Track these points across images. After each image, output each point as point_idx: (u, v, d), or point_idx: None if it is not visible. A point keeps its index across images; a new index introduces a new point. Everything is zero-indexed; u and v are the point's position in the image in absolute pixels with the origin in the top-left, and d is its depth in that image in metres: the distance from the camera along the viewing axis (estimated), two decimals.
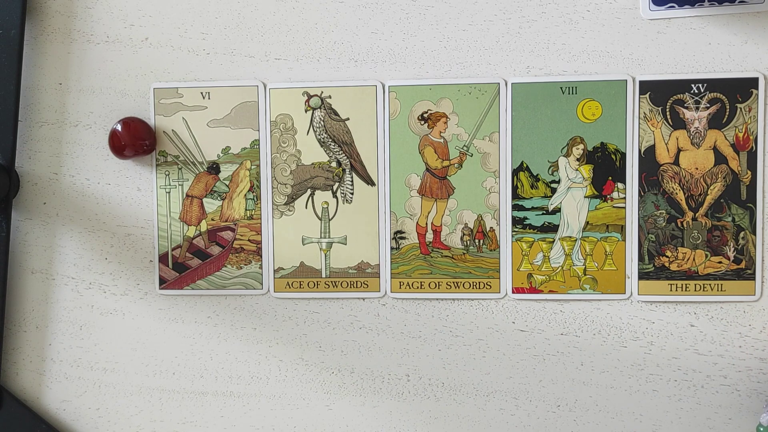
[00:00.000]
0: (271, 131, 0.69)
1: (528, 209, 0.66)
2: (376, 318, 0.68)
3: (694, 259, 0.65)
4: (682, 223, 0.65)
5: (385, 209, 0.68)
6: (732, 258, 0.65)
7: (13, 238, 0.71)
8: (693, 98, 0.65)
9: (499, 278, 0.67)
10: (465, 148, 0.67)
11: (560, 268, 0.66)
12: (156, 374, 0.71)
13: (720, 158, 0.65)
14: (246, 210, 0.69)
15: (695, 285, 0.65)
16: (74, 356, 0.71)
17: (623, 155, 0.66)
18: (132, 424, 0.71)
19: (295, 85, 0.68)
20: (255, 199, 0.69)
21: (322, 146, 0.68)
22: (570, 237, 0.66)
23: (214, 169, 0.69)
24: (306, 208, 0.69)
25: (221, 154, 0.69)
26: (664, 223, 0.66)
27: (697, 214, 0.65)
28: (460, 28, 0.66)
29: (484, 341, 0.67)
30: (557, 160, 0.66)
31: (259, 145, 0.69)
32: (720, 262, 0.65)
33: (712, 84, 0.64)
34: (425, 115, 0.67)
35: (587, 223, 0.66)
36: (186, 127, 0.69)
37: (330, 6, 0.67)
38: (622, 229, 0.66)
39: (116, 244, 0.70)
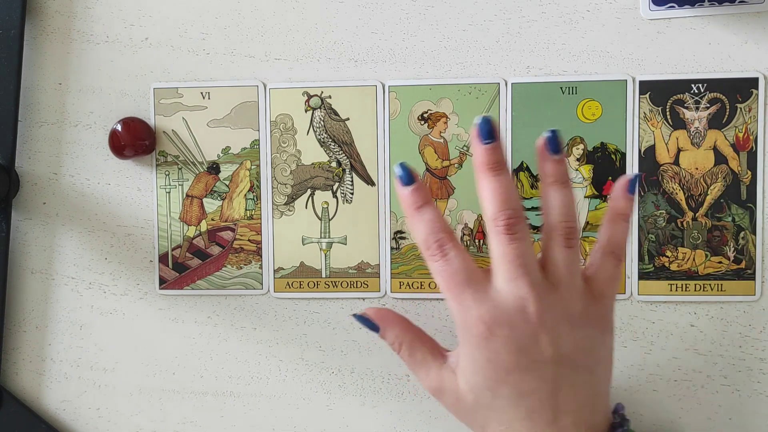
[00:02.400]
0: (271, 131, 0.69)
1: (528, 209, 0.66)
2: None
3: (694, 259, 0.65)
4: (682, 223, 0.65)
5: (385, 209, 0.68)
6: (732, 258, 0.65)
7: (13, 238, 0.71)
8: (693, 98, 0.65)
9: None
10: (465, 148, 0.67)
11: None
12: (156, 374, 0.71)
13: (720, 158, 0.65)
14: (246, 210, 0.69)
15: (695, 285, 0.65)
16: (74, 356, 0.71)
17: (623, 155, 0.66)
18: (132, 424, 0.71)
19: (295, 85, 0.68)
20: (255, 199, 0.69)
21: (322, 146, 0.68)
22: None
23: (214, 169, 0.69)
24: (306, 208, 0.69)
25: (221, 154, 0.69)
26: (664, 223, 0.66)
27: (697, 214, 0.65)
28: (460, 28, 0.66)
29: None
30: None
31: (259, 145, 0.69)
32: (720, 262, 0.65)
33: (712, 84, 0.64)
34: (425, 115, 0.67)
35: (587, 223, 0.66)
36: (186, 127, 0.69)
37: (330, 6, 0.67)
38: None
39: (116, 244, 0.70)
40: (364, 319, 0.61)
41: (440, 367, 0.58)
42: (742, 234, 0.65)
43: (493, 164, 0.55)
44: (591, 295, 0.56)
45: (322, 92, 0.68)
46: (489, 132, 0.56)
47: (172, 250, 0.70)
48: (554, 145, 0.56)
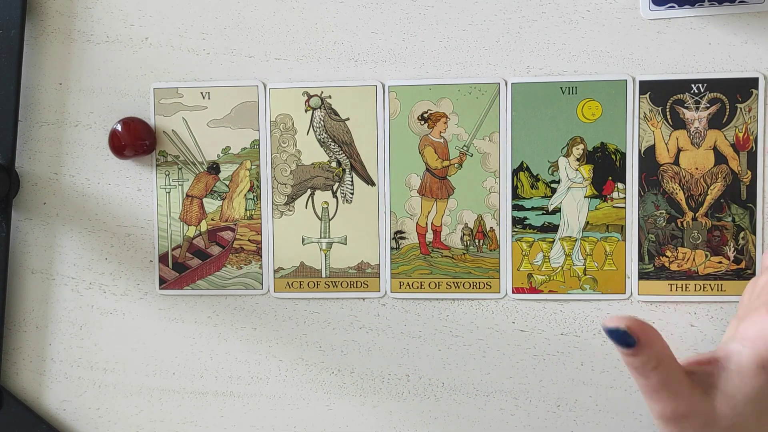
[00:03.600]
0: (271, 131, 0.69)
1: (528, 209, 0.66)
2: (376, 318, 0.68)
3: (694, 259, 0.65)
4: (682, 223, 0.65)
5: (385, 209, 0.68)
6: (732, 258, 0.65)
7: (13, 238, 0.71)
8: (693, 98, 0.65)
9: (499, 278, 0.67)
10: (465, 148, 0.67)
11: (560, 268, 0.66)
12: (156, 374, 0.71)
13: (720, 158, 0.65)
14: (246, 210, 0.69)
15: (695, 285, 0.65)
16: (74, 356, 0.71)
17: (623, 155, 0.65)
18: (132, 424, 0.71)
19: (295, 85, 0.68)
20: (255, 199, 0.69)
21: (322, 146, 0.68)
22: (570, 237, 0.66)
23: (214, 169, 0.69)
24: (306, 208, 0.69)
25: (221, 154, 0.69)
26: (664, 223, 0.66)
27: (697, 214, 0.65)
28: (460, 28, 0.66)
29: (484, 341, 0.67)
30: (557, 160, 0.66)
31: (259, 145, 0.69)
32: (720, 262, 0.65)
33: (712, 84, 0.64)
34: (425, 115, 0.67)
35: (587, 223, 0.66)
36: (186, 127, 0.69)
37: (330, 6, 0.67)
38: (622, 229, 0.66)
39: (116, 244, 0.70)
40: (622, 334, 0.51)
41: (691, 391, 0.52)
42: (742, 234, 0.65)
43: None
44: None
45: (322, 92, 0.68)
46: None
47: (172, 250, 0.70)
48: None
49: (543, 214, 0.66)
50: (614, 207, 0.66)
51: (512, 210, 0.67)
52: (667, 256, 0.66)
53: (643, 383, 0.52)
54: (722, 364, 0.52)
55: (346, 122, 0.68)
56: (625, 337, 0.50)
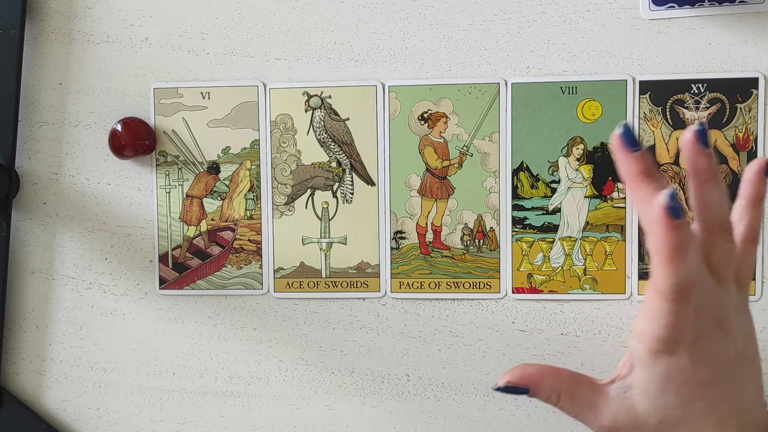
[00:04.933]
0: (271, 131, 0.69)
1: (528, 209, 0.66)
2: (376, 318, 0.68)
3: None
4: None
5: (385, 209, 0.68)
6: None
7: (13, 238, 0.71)
8: (693, 98, 0.65)
9: (499, 278, 0.67)
10: (465, 148, 0.67)
11: (560, 268, 0.66)
12: (156, 374, 0.71)
13: (720, 158, 0.65)
14: (246, 210, 0.69)
15: None
16: (74, 356, 0.71)
17: None
18: (132, 424, 0.71)
19: (295, 85, 0.68)
20: (255, 199, 0.69)
21: (322, 146, 0.68)
22: (570, 237, 0.66)
23: (214, 169, 0.69)
24: (306, 208, 0.69)
25: (221, 154, 0.69)
26: None
27: None
28: (460, 28, 0.66)
29: (484, 341, 0.67)
30: (557, 160, 0.66)
31: (259, 145, 0.69)
32: None
33: (712, 84, 0.64)
34: (425, 115, 0.67)
35: (587, 223, 0.66)
36: (186, 127, 0.69)
37: (330, 6, 0.67)
38: (622, 229, 0.66)
39: (116, 244, 0.70)
40: (510, 388, 0.55)
41: (607, 402, 0.53)
42: None
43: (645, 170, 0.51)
44: (739, 284, 0.54)
45: (322, 92, 0.68)
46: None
47: (172, 250, 0.70)
48: (704, 138, 0.51)
49: (543, 214, 0.66)
50: (614, 207, 0.66)
51: (512, 210, 0.67)
52: None
53: (563, 412, 0.55)
54: (631, 364, 0.53)
55: (346, 122, 0.68)
56: (515, 390, 0.54)
